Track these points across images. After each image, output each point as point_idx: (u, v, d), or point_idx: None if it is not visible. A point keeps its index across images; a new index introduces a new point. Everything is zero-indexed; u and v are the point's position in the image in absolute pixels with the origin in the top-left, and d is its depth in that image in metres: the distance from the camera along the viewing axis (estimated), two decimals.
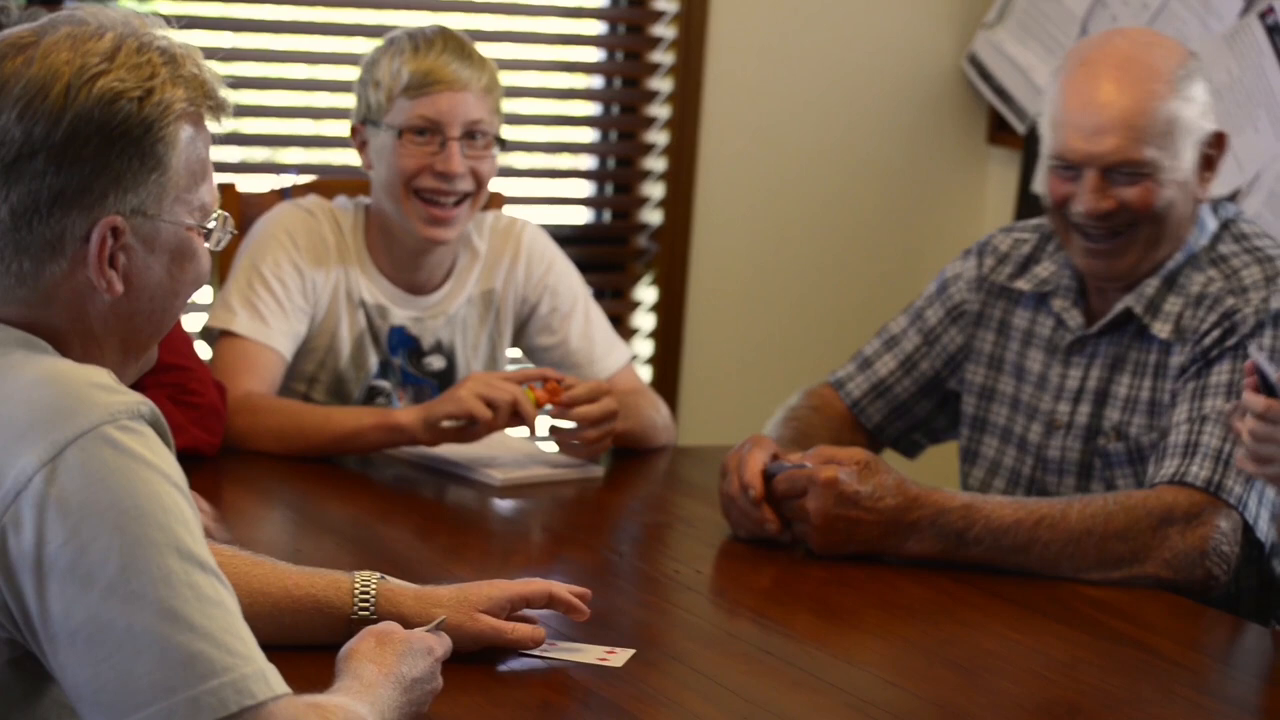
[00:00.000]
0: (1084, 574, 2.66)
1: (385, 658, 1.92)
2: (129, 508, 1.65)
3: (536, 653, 2.22)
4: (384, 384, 3.34)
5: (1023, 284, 3.06)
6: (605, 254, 4.53)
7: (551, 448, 3.25)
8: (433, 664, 1.97)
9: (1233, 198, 4.03)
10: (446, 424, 3.03)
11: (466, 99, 3.21)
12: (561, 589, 2.26)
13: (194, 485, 1.73)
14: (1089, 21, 4.37)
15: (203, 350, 3.22)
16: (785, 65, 4.55)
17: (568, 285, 3.43)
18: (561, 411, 3.12)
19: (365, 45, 4.14)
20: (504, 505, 3.02)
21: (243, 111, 4.02)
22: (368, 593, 2.16)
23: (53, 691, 1.74)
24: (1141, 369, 2.93)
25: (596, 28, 4.50)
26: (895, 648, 2.46)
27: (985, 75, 4.62)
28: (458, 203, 3.24)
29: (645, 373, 4.49)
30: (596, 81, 4.53)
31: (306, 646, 2.09)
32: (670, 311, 4.54)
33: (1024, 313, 3.07)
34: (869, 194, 4.67)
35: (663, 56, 4.47)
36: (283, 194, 3.50)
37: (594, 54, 4.52)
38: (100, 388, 1.71)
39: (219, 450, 3.04)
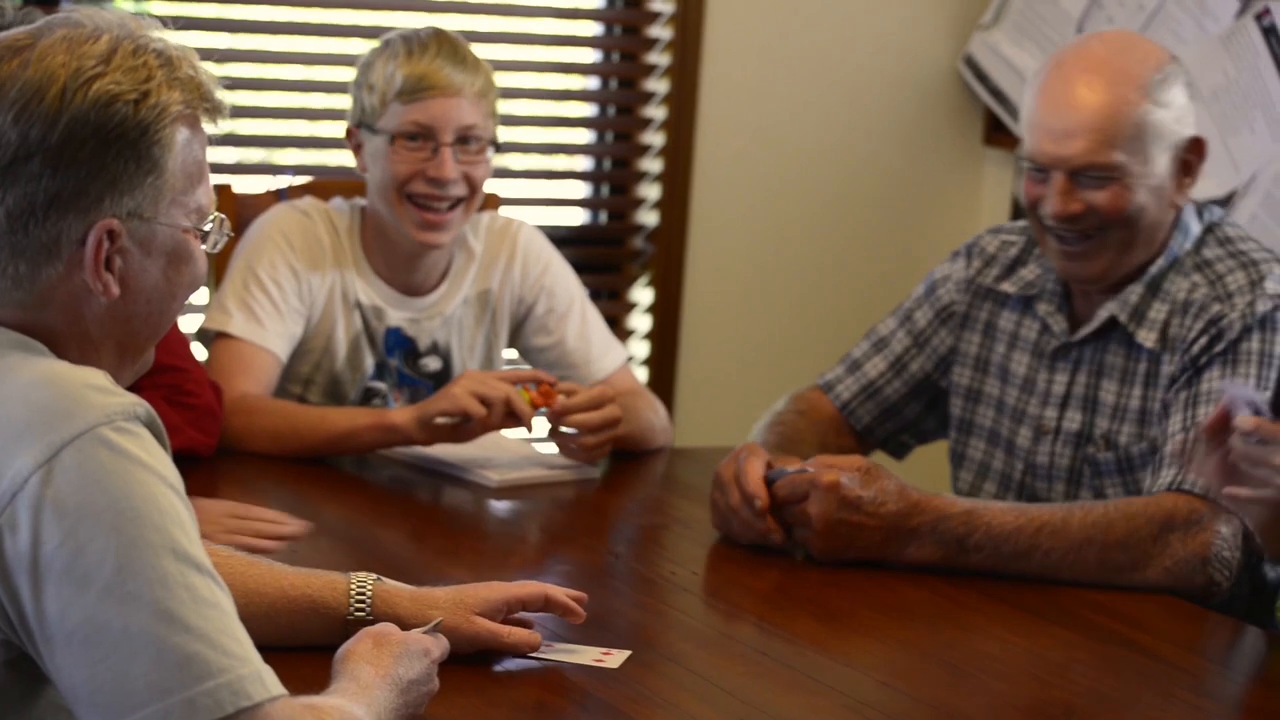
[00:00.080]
0: (1085, 581, 2.66)
1: (382, 659, 1.92)
2: (125, 509, 1.65)
3: (532, 654, 2.22)
4: (380, 385, 3.34)
5: (1008, 286, 3.06)
6: (601, 255, 4.53)
7: (548, 449, 3.25)
8: (429, 666, 1.98)
9: (1229, 199, 4.03)
10: (441, 421, 3.03)
11: (459, 104, 3.21)
12: (557, 591, 2.26)
13: (189, 487, 1.73)
14: (1085, 23, 4.37)
15: (198, 352, 3.22)
16: (781, 67, 4.55)
17: (564, 286, 3.43)
18: (560, 418, 3.11)
19: (361, 46, 4.14)
20: (500, 506, 3.02)
21: (239, 113, 4.02)
22: (363, 594, 2.16)
23: (49, 693, 1.74)
24: (1129, 377, 2.92)
25: (592, 29, 4.50)
26: (892, 649, 2.46)
27: (981, 77, 4.63)
28: (451, 207, 3.24)
29: (641, 374, 4.49)
30: (592, 83, 4.53)
31: (303, 647, 2.09)
32: (666, 313, 4.54)
33: (1010, 315, 3.07)
34: (865, 195, 4.67)
35: (659, 58, 4.47)
36: (279, 195, 3.50)
37: (590, 55, 4.52)
38: (96, 389, 1.71)
39: (215, 451, 3.04)
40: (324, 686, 1.86)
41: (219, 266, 3.32)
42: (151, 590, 1.64)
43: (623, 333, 4.50)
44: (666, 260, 4.51)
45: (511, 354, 3.50)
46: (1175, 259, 2.91)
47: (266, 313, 3.22)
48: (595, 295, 4.41)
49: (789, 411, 3.14)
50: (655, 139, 4.49)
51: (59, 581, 1.64)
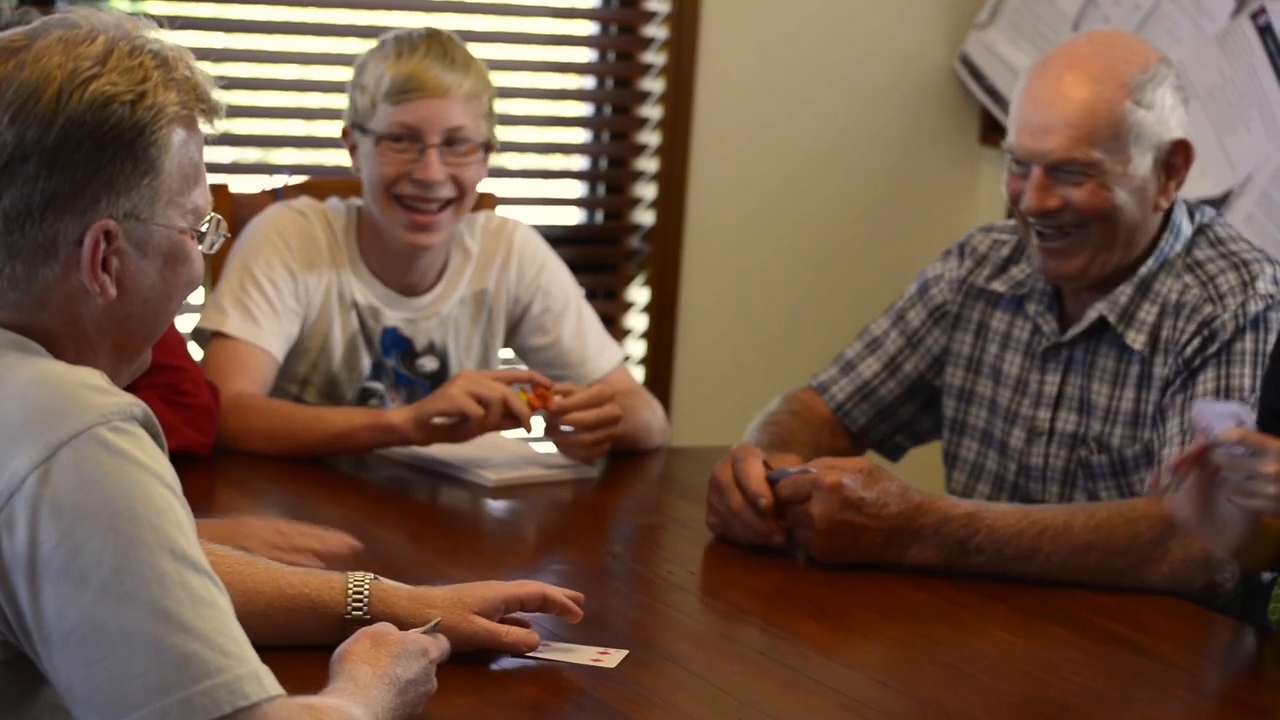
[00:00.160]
0: (1086, 584, 2.65)
1: (379, 659, 1.92)
2: (122, 509, 1.66)
3: (530, 654, 2.22)
4: (377, 386, 3.34)
5: (999, 286, 3.05)
6: (597, 255, 4.53)
7: (545, 448, 3.25)
8: (427, 666, 1.98)
9: (1225, 198, 4.04)
10: (438, 421, 3.03)
11: (446, 106, 3.20)
12: (555, 591, 2.26)
13: (186, 486, 1.73)
14: (1081, 21, 4.37)
15: (194, 351, 3.22)
16: (777, 66, 4.55)
17: (560, 285, 3.43)
18: (558, 418, 3.11)
19: (357, 46, 4.14)
20: (497, 506, 3.02)
21: (235, 112, 4.02)
22: (361, 593, 2.16)
23: (46, 693, 1.74)
24: (1121, 379, 2.92)
25: (588, 28, 4.50)
26: (889, 649, 2.46)
27: (977, 76, 4.63)
28: (441, 209, 3.23)
29: (637, 374, 4.49)
30: (588, 82, 4.53)
31: (300, 647, 2.09)
32: (662, 312, 4.54)
33: (1002, 315, 3.06)
34: (861, 194, 4.67)
35: (654, 57, 4.47)
36: (275, 195, 3.50)
37: (586, 55, 4.52)
38: (93, 389, 1.71)
39: (212, 451, 3.04)
40: (321, 686, 1.86)
41: (215, 266, 3.32)
42: (149, 590, 1.64)
43: (619, 332, 4.50)
44: (663, 259, 4.51)
45: (508, 353, 3.50)
46: (1166, 260, 2.91)
47: (263, 312, 3.22)
48: (591, 295, 4.41)
49: (782, 412, 3.14)
50: (651, 138, 4.49)
51: (56, 581, 1.65)
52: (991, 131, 4.67)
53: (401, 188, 3.22)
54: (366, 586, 2.17)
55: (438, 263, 3.36)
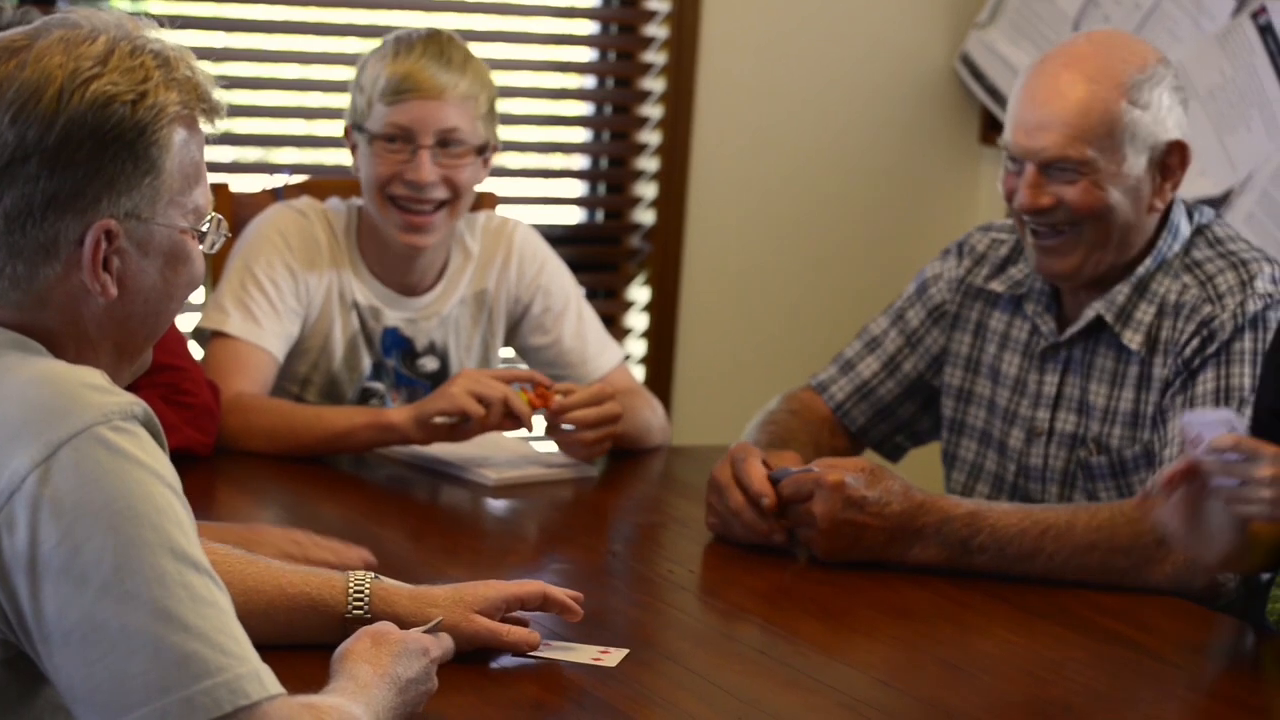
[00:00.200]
0: (1089, 583, 2.65)
1: (380, 658, 1.92)
2: (122, 508, 1.66)
3: (530, 653, 2.22)
4: (377, 386, 3.34)
5: (997, 285, 3.05)
6: (598, 254, 4.53)
7: (545, 447, 3.25)
8: (428, 665, 1.98)
9: (1225, 198, 4.03)
10: (439, 420, 3.03)
11: (440, 107, 3.19)
12: (556, 590, 2.26)
13: (187, 486, 1.73)
14: (1081, 21, 4.37)
15: (195, 351, 3.22)
16: (778, 65, 4.55)
17: (560, 285, 3.43)
18: (559, 416, 3.11)
19: (358, 45, 4.15)
20: (497, 505, 3.02)
21: (235, 111, 4.02)
22: (361, 592, 2.16)
23: (47, 692, 1.74)
24: (1120, 379, 2.92)
25: (589, 27, 4.50)
26: (890, 648, 2.46)
27: (978, 75, 4.63)
28: (434, 210, 3.23)
29: (638, 373, 4.49)
30: (589, 81, 4.53)
31: (301, 646, 2.09)
32: (663, 311, 4.54)
33: (1001, 315, 3.06)
34: (861, 194, 4.67)
35: (655, 56, 4.47)
36: (275, 194, 3.50)
37: (586, 54, 4.52)
38: (93, 388, 1.71)
39: (212, 450, 3.04)
40: (322, 685, 1.86)
41: (216, 266, 3.32)
42: (149, 589, 1.64)
43: (619, 331, 4.50)
44: (663, 259, 4.51)
45: (508, 352, 3.50)
46: (1164, 260, 2.90)
47: (264, 312, 3.22)
48: (592, 294, 4.42)
49: (781, 411, 3.14)
50: (652, 138, 4.49)
51: (57, 580, 1.65)
52: (992, 131, 4.67)
53: (395, 188, 3.22)
54: (367, 585, 2.17)
55: (438, 263, 3.36)
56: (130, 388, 1.80)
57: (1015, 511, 2.69)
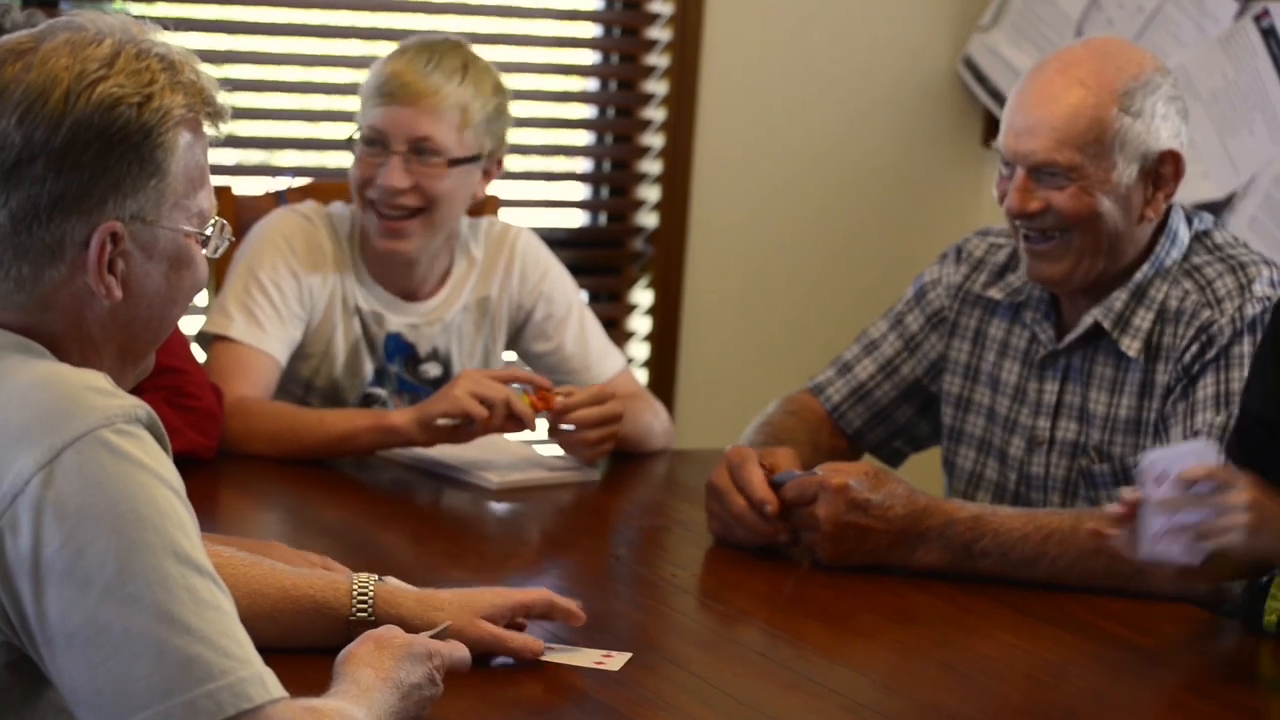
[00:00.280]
0: (1092, 587, 2.65)
1: (383, 662, 1.92)
2: (125, 511, 1.66)
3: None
4: (380, 391, 3.34)
5: (996, 293, 3.04)
6: (601, 257, 4.53)
7: (548, 451, 3.25)
8: (431, 670, 1.97)
9: (1228, 201, 4.03)
10: (442, 422, 3.03)
11: (414, 114, 3.18)
12: (561, 598, 2.26)
13: (190, 489, 1.73)
14: (1084, 24, 4.37)
15: (198, 354, 3.22)
16: (780, 68, 4.55)
17: (562, 292, 3.42)
18: (561, 416, 3.11)
19: (361, 48, 4.15)
20: (500, 509, 3.02)
21: (238, 114, 4.01)
22: (365, 594, 2.16)
23: (50, 695, 1.74)
24: (1119, 387, 2.91)
25: (592, 30, 4.50)
26: (892, 651, 2.46)
27: (980, 78, 4.63)
28: (409, 216, 3.22)
29: (641, 376, 4.49)
30: (592, 84, 4.54)
31: (304, 649, 2.09)
32: (666, 315, 4.54)
33: (1000, 323, 3.05)
34: (864, 197, 4.67)
35: (658, 59, 4.47)
36: (278, 197, 3.50)
37: (589, 57, 4.52)
38: (97, 391, 1.71)
39: (215, 454, 3.04)
40: (325, 689, 1.86)
41: (220, 269, 3.32)
42: (152, 592, 1.64)
43: (622, 335, 4.50)
44: (666, 262, 4.51)
45: (510, 356, 3.50)
46: (1162, 266, 2.90)
47: (267, 316, 3.22)
48: (595, 297, 4.42)
49: (779, 413, 3.14)
50: (655, 141, 4.49)
51: (60, 583, 1.65)
52: (994, 134, 4.67)
53: (370, 191, 3.22)
54: (371, 588, 2.17)
55: (439, 269, 3.35)
56: (133, 391, 1.80)
57: (1018, 515, 2.69)
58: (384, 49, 3.38)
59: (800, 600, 2.62)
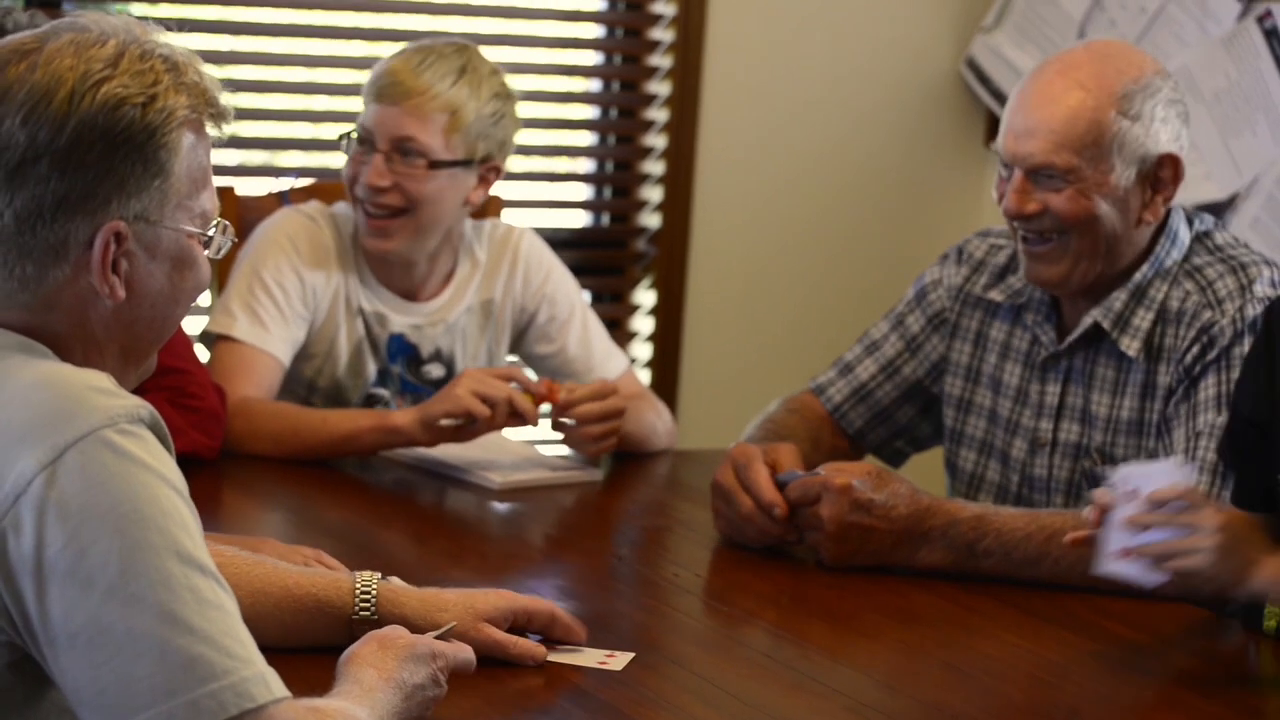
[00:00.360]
0: (1095, 588, 2.64)
1: (386, 662, 1.92)
2: (128, 511, 1.66)
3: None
4: (382, 392, 3.34)
5: (996, 295, 3.04)
6: (604, 257, 4.53)
7: (550, 451, 3.25)
8: (435, 670, 1.97)
9: (1231, 202, 4.03)
10: (445, 423, 3.03)
11: (399, 114, 3.18)
12: (564, 614, 2.25)
13: (193, 489, 1.73)
14: (1087, 25, 4.37)
15: (201, 354, 3.22)
16: (783, 69, 4.56)
17: (565, 294, 3.42)
18: (564, 411, 3.11)
19: (363, 49, 4.15)
20: (503, 509, 3.02)
21: (242, 115, 4.01)
22: (369, 593, 2.16)
23: (53, 695, 1.74)
24: (1121, 388, 2.91)
25: (594, 31, 4.50)
26: (896, 652, 2.46)
27: (983, 79, 4.63)
28: (391, 215, 3.22)
29: (644, 376, 4.49)
30: (594, 85, 4.54)
31: (308, 649, 2.09)
32: (669, 315, 4.54)
33: (1001, 325, 3.04)
34: (867, 197, 4.68)
35: (661, 60, 4.47)
36: (281, 198, 3.50)
37: (592, 57, 4.52)
38: (99, 391, 1.71)
39: (218, 454, 3.04)
40: (328, 689, 1.86)
41: (223, 268, 3.32)
42: (155, 592, 1.64)
43: (625, 335, 4.50)
44: (669, 262, 4.52)
45: (513, 359, 3.50)
46: (1162, 267, 2.89)
47: (271, 316, 3.22)
48: (597, 298, 4.42)
49: (780, 411, 3.14)
50: (657, 141, 4.49)
51: (63, 583, 1.65)
52: (997, 135, 4.67)
53: (357, 189, 3.23)
54: (374, 587, 2.17)
55: (440, 270, 3.35)
56: (136, 391, 1.80)
57: (1021, 515, 2.69)
58: (386, 50, 3.38)
59: (803, 600, 2.62)
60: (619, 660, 2.25)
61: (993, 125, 4.68)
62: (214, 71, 1.87)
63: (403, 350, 3.34)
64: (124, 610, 1.64)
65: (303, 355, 3.29)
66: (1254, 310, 2.81)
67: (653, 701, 2.16)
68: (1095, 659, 2.41)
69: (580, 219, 4.58)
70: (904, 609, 2.57)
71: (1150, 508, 2.34)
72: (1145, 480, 2.35)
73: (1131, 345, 2.87)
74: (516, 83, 4.33)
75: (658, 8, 4.46)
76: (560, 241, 3.65)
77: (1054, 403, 2.96)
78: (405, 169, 3.19)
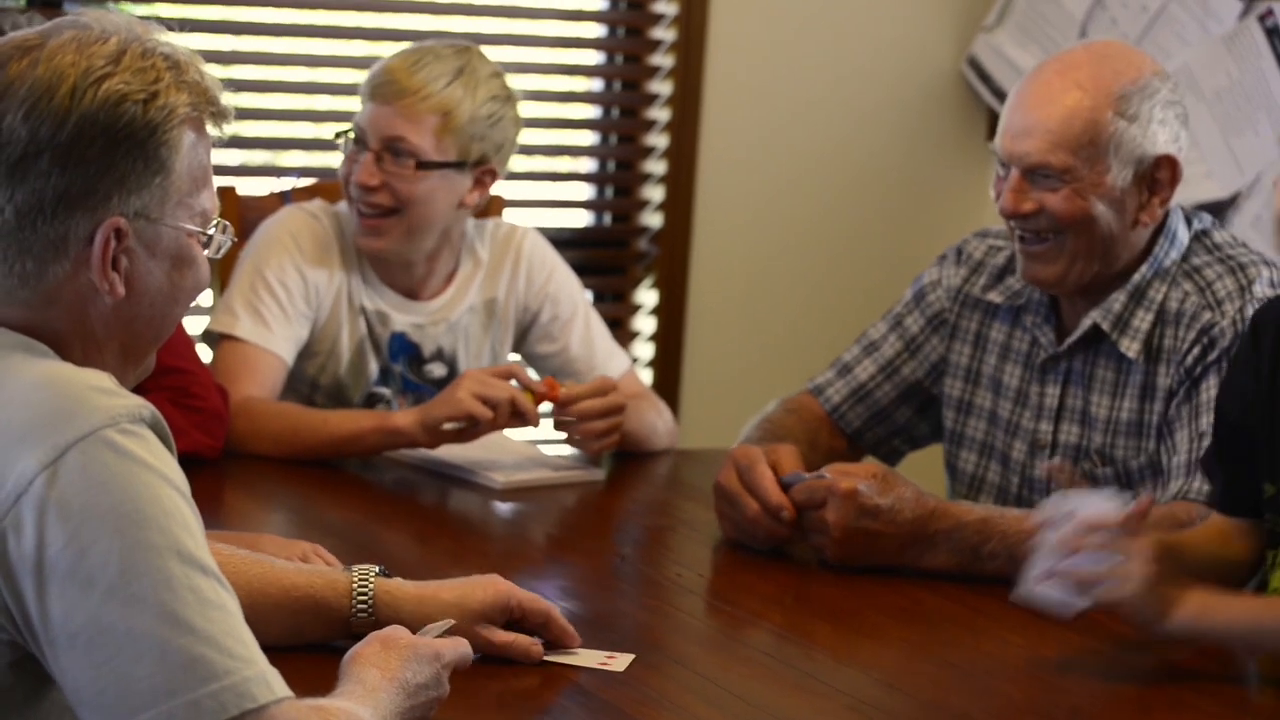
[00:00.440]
0: None
1: (389, 662, 1.92)
2: (129, 511, 1.66)
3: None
4: (384, 391, 3.34)
5: (996, 296, 3.03)
6: (605, 257, 4.53)
7: (552, 450, 3.25)
8: (438, 671, 1.97)
9: (1232, 200, 4.03)
10: (447, 426, 3.03)
11: (390, 113, 3.18)
12: (560, 618, 2.25)
13: (195, 489, 1.73)
14: (1088, 24, 4.37)
15: (203, 353, 3.22)
16: (785, 68, 4.55)
17: (568, 293, 3.42)
18: (564, 409, 3.11)
19: (365, 48, 4.15)
20: (505, 508, 3.02)
21: (243, 114, 4.02)
22: (366, 590, 2.16)
23: (54, 694, 1.74)
24: (1120, 389, 2.90)
25: (596, 31, 4.50)
26: (899, 651, 2.46)
27: (985, 78, 4.63)
28: (382, 215, 3.22)
29: (646, 376, 4.49)
30: (596, 84, 4.54)
31: (309, 649, 2.09)
32: (671, 315, 4.54)
33: (1000, 326, 3.04)
34: (868, 196, 4.67)
35: (662, 59, 4.47)
36: (283, 197, 3.50)
37: (594, 57, 4.52)
38: (101, 391, 1.71)
39: (220, 454, 3.04)
40: (330, 688, 1.86)
41: (225, 267, 3.32)
42: (156, 592, 1.64)
43: (627, 335, 4.50)
44: (671, 262, 4.51)
45: (515, 358, 3.50)
46: (1161, 267, 2.89)
47: (273, 316, 3.22)
48: (599, 297, 4.42)
49: (778, 411, 3.13)
50: (659, 141, 4.49)
51: (63, 583, 1.65)
52: None
53: (350, 188, 3.23)
54: (371, 584, 2.17)
55: (441, 269, 3.35)
56: (138, 391, 1.80)
57: (1026, 518, 2.68)
58: (388, 50, 3.38)
59: (807, 600, 2.61)
60: (620, 661, 2.24)
61: (994, 125, 4.66)
62: (216, 71, 1.87)
63: (404, 349, 3.34)
64: (124, 610, 1.64)
65: (306, 353, 3.29)
66: (1254, 311, 2.80)
67: (655, 701, 2.16)
68: (1099, 659, 2.41)
69: (582, 218, 4.58)
70: (908, 609, 2.57)
71: (1083, 532, 2.31)
72: (1083, 505, 2.33)
73: (1131, 346, 2.87)
74: (518, 82, 4.34)
75: (659, 7, 4.45)
76: (562, 241, 3.65)
77: (1054, 404, 2.96)
78: (395, 169, 3.19)
